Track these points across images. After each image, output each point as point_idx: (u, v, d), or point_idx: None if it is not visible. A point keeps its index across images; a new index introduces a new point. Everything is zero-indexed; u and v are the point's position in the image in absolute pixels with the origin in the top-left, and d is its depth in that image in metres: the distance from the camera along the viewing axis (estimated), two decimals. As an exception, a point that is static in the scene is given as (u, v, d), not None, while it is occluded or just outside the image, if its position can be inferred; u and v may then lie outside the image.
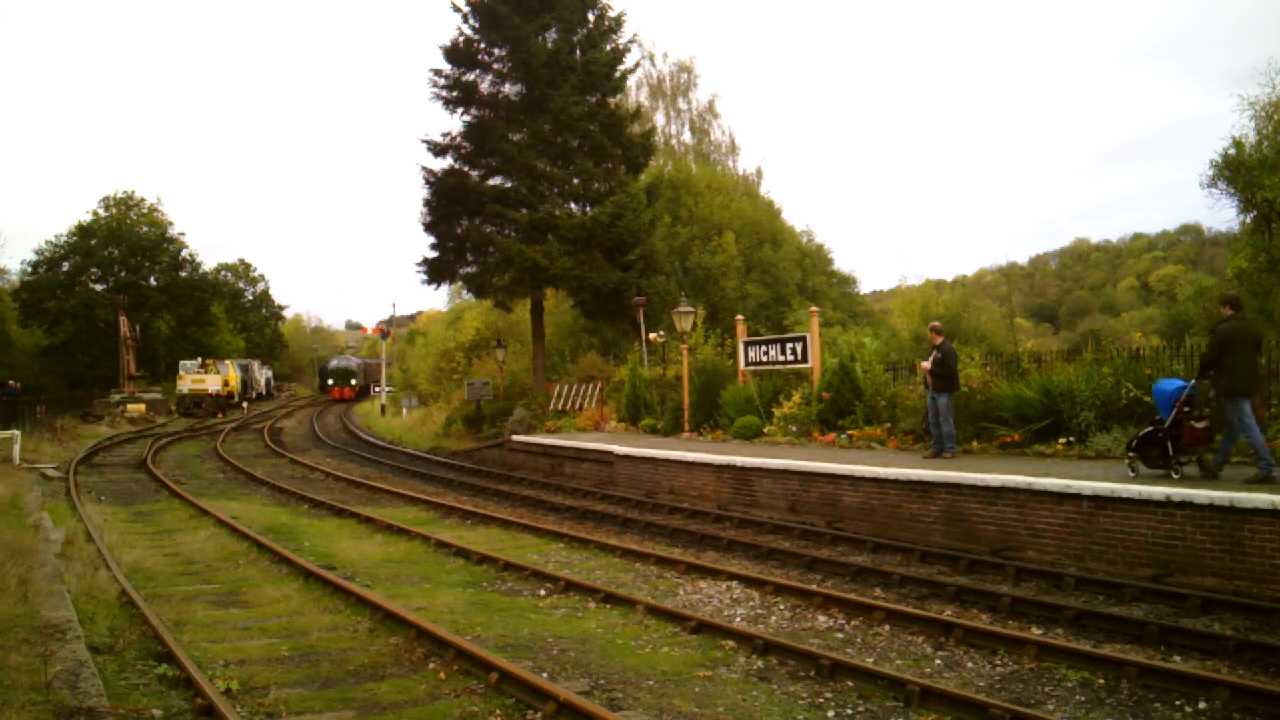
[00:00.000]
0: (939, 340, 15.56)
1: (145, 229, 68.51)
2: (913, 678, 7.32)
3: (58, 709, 6.34)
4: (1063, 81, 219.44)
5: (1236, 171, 28.61)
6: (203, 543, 14.85)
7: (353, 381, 73.50)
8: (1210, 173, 30.08)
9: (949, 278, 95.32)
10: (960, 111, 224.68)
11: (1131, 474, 12.22)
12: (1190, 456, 12.09)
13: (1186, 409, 11.92)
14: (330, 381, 74.85)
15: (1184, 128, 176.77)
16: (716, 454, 18.25)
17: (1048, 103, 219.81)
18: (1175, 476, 11.73)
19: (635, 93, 50.11)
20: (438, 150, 33.29)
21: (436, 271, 34.00)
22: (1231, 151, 28.84)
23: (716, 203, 43.02)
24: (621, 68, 34.16)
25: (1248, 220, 30.57)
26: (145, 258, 67.19)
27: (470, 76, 33.22)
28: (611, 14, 33.66)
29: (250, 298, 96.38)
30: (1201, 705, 6.95)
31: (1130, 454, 12.44)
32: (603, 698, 7.34)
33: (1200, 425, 11.85)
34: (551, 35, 32.60)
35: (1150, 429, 12.24)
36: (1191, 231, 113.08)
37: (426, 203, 33.28)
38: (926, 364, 15.76)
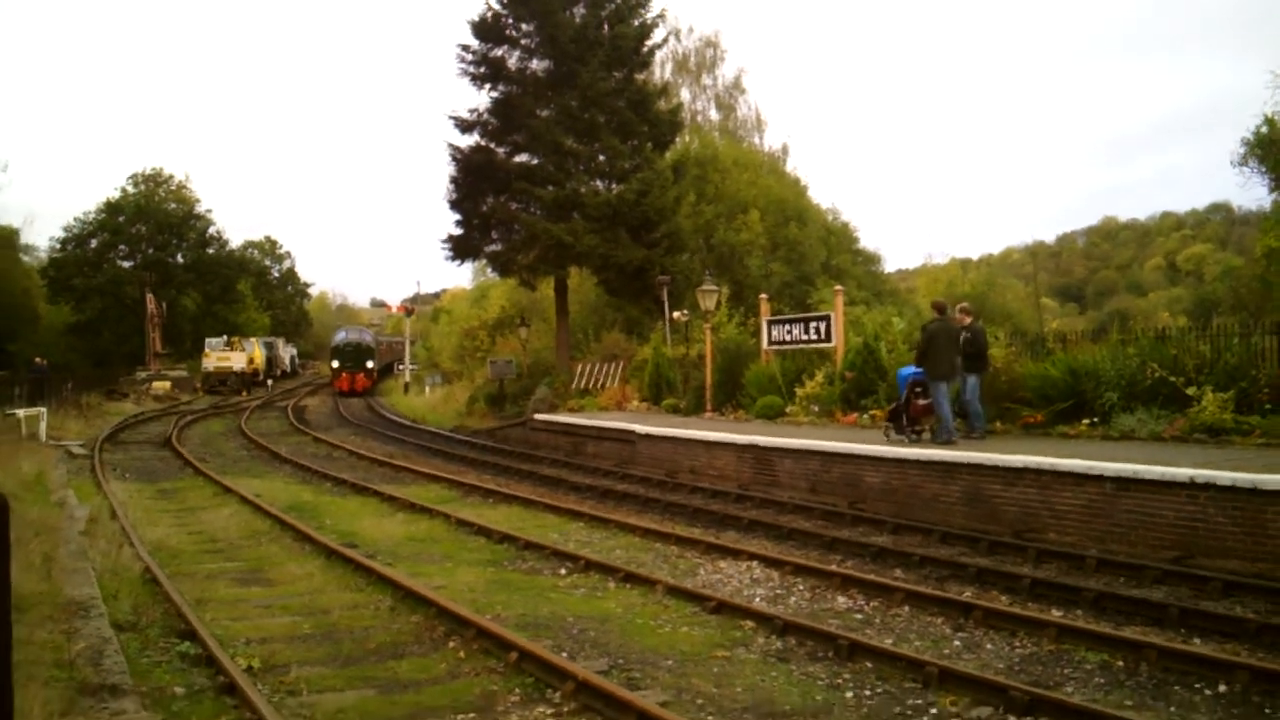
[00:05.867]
0: (968, 320, 15.54)
1: (173, 206, 69.05)
2: (931, 659, 7.30)
3: (81, 686, 6.41)
4: (1096, 59, 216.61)
5: (1268, 149, 28.23)
6: (226, 520, 14.98)
7: (368, 364, 55.86)
8: (1242, 150, 29.70)
9: (975, 256, 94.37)
10: (990, 88, 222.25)
11: (886, 439, 15.39)
12: (923, 426, 15.30)
13: (917, 389, 15.20)
14: (336, 364, 55.53)
15: (1219, 107, 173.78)
16: (738, 434, 18.22)
17: (1080, 81, 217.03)
18: (910, 440, 15.02)
19: (661, 69, 49.82)
20: (465, 127, 33.32)
21: (461, 249, 34.10)
22: (1264, 129, 28.44)
23: (742, 180, 42.70)
24: (649, 43, 34.10)
25: (1279, 198, 30.19)
26: (172, 235, 67.70)
27: (498, 52, 33.21)
28: (639, -12, 33.48)
29: (276, 275, 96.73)
30: (1221, 688, 6.89)
31: (886, 424, 15.95)
32: (621, 677, 7.36)
33: (923, 402, 15.11)
34: (579, 10, 32.54)
35: (895, 405, 15.73)
36: (1221, 210, 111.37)
37: (453, 179, 33.41)
38: None
